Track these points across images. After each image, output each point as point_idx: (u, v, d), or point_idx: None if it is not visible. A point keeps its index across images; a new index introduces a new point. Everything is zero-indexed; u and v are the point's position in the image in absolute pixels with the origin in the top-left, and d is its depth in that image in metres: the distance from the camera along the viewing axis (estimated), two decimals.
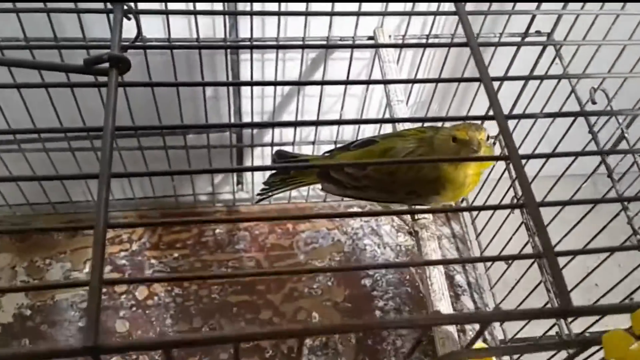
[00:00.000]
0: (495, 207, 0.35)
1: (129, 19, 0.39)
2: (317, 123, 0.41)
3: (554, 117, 0.78)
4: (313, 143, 0.87)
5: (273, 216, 0.46)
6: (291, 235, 0.96)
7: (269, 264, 0.93)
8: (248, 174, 0.97)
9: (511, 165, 0.35)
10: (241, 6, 0.68)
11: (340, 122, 0.35)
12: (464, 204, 1.02)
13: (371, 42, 0.74)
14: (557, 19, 0.74)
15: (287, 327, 0.27)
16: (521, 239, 0.85)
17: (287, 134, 0.89)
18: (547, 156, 0.65)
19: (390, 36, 0.74)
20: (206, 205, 0.99)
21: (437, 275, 0.54)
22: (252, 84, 0.55)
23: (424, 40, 0.75)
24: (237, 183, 1.01)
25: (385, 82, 0.62)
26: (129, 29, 0.40)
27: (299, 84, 0.57)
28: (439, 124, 0.61)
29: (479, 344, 0.63)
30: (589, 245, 0.72)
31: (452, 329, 0.52)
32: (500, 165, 0.90)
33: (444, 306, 0.53)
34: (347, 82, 0.55)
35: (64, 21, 0.62)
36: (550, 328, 0.80)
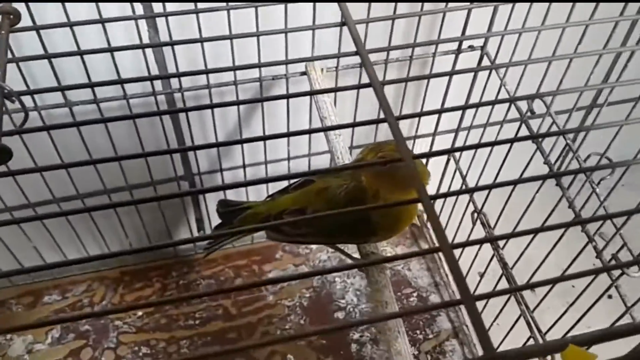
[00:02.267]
0: (410, 255, 0.33)
1: (12, 101, 0.37)
2: (264, 138, 0.40)
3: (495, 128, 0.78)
4: (266, 181, 0.85)
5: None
6: (257, 276, 0.94)
7: (237, 310, 0.90)
8: (205, 218, 0.95)
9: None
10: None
11: (289, 135, 0.34)
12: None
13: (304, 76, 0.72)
14: (489, 29, 0.73)
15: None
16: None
17: (236, 170, 0.88)
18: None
19: (322, 69, 0.72)
20: (167, 257, 0.96)
21: (401, 343, 0.52)
22: (186, 109, 0.53)
23: (357, 69, 0.74)
24: (198, 229, 0.99)
25: (324, 130, 0.60)
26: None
27: (237, 103, 0.54)
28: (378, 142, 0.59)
29: None
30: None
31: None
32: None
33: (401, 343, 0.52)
34: (287, 96, 0.53)
35: None
36: None
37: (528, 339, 0.72)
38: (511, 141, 0.41)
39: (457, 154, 0.88)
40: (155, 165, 0.81)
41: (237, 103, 0.53)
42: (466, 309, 0.31)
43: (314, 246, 0.97)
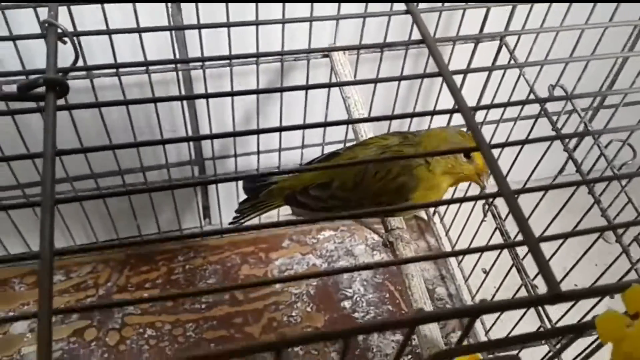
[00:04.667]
0: (463, 200, 0.34)
1: (64, 42, 0.37)
2: (280, 129, 0.40)
3: (517, 120, 0.79)
4: (278, 168, 0.85)
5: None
6: (264, 264, 0.93)
7: (244, 296, 0.90)
8: (215, 207, 0.95)
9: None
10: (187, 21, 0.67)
11: (305, 127, 0.34)
12: (435, 216, 1.01)
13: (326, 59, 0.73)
14: (509, 20, 0.74)
15: (262, 341, 0.25)
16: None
17: (251, 162, 0.87)
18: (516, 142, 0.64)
19: (345, 52, 0.73)
20: (174, 242, 0.95)
21: (417, 285, 0.52)
22: (206, 95, 0.52)
23: (378, 53, 0.75)
24: (204, 217, 0.99)
25: (342, 84, 0.60)
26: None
27: (257, 92, 0.55)
28: (401, 131, 0.60)
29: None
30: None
31: (437, 335, 0.50)
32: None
33: (432, 328, 0.52)
34: (306, 87, 0.53)
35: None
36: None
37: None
38: (537, 141, 0.42)
39: None
40: (169, 148, 0.82)
41: (257, 92, 0.53)
42: (530, 250, 0.31)
43: (321, 235, 0.97)
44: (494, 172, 0.32)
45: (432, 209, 1.02)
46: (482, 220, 0.86)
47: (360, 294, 0.92)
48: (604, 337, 0.27)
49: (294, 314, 0.89)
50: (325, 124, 0.40)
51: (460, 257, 0.95)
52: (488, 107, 0.46)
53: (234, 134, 0.69)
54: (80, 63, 0.42)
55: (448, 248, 0.99)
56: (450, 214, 0.96)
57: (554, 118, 0.70)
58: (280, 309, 0.89)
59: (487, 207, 0.85)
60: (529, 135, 0.73)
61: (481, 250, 0.31)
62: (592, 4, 0.73)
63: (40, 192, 0.30)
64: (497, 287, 0.84)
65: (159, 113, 0.74)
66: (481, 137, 0.33)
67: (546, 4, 0.74)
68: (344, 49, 0.67)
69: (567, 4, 0.73)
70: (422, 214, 1.02)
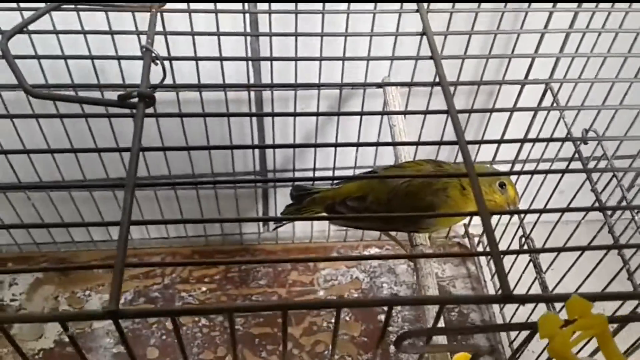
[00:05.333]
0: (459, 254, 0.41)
1: (156, 64, 0.47)
2: (335, 145, 0.49)
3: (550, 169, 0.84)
4: (332, 178, 0.94)
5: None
6: (312, 272, 1.02)
7: (291, 299, 0.98)
8: (272, 213, 1.05)
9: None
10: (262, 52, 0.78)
11: (356, 145, 0.41)
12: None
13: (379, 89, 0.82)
14: (554, 66, 0.80)
15: (275, 302, 0.33)
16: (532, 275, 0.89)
17: (307, 172, 0.97)
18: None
19: (396, 87, 0.81)
20: (234, 244, 1.06)
21: (431, 292, 0.59)
22: (272, 114, 0.62)
23: (429, 89, 0.83)
24: (263, 224, 1.09)
25: (389, 144, 0.69)
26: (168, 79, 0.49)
27: (317, 114, 0.64)
28: (436, 159, 0.67)
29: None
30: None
31: None
32: None
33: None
34: (357, 113, 0.62)
35: (106, 67, 0.74)
36: None
37: None
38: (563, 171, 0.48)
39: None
40: (237, 159, 0.92)
41: (317, 114, 0.62)
42: (493, 259, 0.38)
43: (366, 251, 1.05)
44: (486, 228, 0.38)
45: (476, 239, 1.08)
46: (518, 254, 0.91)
47: (397, 310, 0.98)
48: (542, 334, 0.34)
49: (333, 320, 0.96)
50: (363, 144, 0.48)
51: (498, 285, 1.00)
52: (480, 142, 0.53)
53: (294, 146, 0.79)
54: (169, 81, 0.53)
55: (488, 277, 1.04)
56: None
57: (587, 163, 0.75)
58: (322, 315, 0.97)
59: (523, 239, 0.90)
60: (559, 181, 0.79)
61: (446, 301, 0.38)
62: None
63: (125, 177, 0.40)
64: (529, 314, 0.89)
65: (231, 128, 0.85)
66: (472, 171, 0.41)
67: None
68: (391, 84, 0.75)
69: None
70: (466, 242, 1.08)
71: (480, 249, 1.07)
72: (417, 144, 0.81)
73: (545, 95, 0.84)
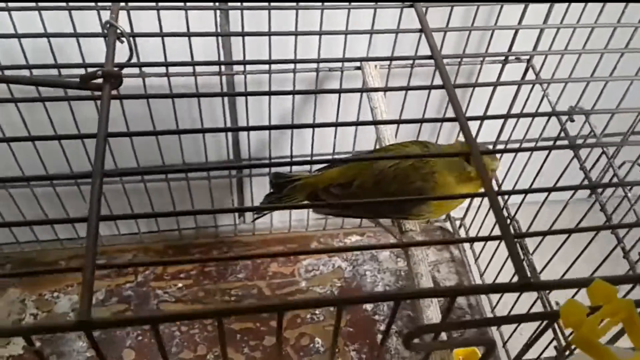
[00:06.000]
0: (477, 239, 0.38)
1: (121, 41, 0.43)
2: (313, 126, 0.45)
3: (536, 144, 0.82)
4: (310, 162, 0.90)
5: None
6: (292, 263, 0.98)
7: (271, 292, 0.95)
8: (248, 204, 1.00)
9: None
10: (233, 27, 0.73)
11: (335, 125, 0.38)
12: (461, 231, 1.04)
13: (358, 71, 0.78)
14: (537, 39, 0.78)
15: (267, 303, 0.29)
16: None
17: (283, 160, 0.93)
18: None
19: (376, 66, 0.77)
20: (209, 237, 1.01)
21: (425, 280, 0.56)
22: (246, 94, 0.58)
23: (409, 69, 0.79)
24: (239, 216, 1.04)
25: (374, 123, 0.65)
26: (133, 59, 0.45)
27: (292, 93, 0.60)
28: (422, 140, 0.64)
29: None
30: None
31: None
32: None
33: (433, 311, 0.55)
34: (336, 91, 0.58)
35: (64, 47, 0.68)
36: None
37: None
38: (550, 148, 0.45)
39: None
40: (209, 147, 0.88)
41: (292, 92, 0.58)
42: (506, 244, 0.34)
43: (348, 239, 1.01)
44: (497, 216, 0.35)
45: (458, 222, 1.05)
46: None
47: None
48: (566, 323, 0.31)
49: (317, 312, 0.93)
50: (343, 124, 0.44)
51: (482, 269, 0.97)
52: (482, 119, 0.50)
53: (270, 127, 0.75)
54: (134, 61, 0.48)
55: (472, 260, 1.01)
56: (475, 228, 0.99)
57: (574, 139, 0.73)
58: None
59: (508, 221, 0.88)
60: (546, 158, 0.76)
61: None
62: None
63: (92, 166, 0.36)
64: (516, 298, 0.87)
65: (203, 113, 0.80)
66: (474, 143, 0.37)
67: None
68: (374, 59, 0.72)
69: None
70: (448, 225, 1.05)
71: (462, 232, 1.04)
72: (419, 121, 0.77)
73: (527, 72, 0.82)
